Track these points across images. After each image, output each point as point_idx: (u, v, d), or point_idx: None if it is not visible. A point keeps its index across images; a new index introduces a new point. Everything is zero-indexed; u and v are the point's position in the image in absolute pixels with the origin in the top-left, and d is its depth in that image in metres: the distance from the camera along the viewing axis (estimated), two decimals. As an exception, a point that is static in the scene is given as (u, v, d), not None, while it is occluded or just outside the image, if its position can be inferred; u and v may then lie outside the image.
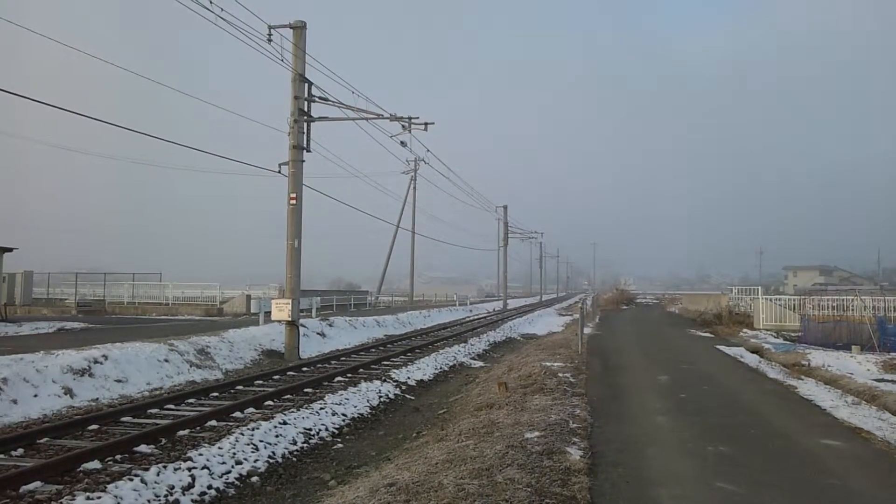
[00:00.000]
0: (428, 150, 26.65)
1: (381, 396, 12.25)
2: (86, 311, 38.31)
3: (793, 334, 24.42)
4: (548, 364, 13.75)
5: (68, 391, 11.25)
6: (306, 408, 10.39)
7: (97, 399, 11.43)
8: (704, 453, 7.21)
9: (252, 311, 33.53)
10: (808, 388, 11.99)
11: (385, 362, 17.21)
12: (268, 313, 20.04)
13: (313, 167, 18.69)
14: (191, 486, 6.80)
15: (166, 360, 14.10)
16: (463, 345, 21.53)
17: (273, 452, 8.23)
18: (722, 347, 19.59)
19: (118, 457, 7.78)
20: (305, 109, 17.72)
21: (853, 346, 18.53)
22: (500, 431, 7.90)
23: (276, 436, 8.72)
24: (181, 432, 8.99)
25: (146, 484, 6.57)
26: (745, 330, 26.15)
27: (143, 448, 8.16)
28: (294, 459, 8.37)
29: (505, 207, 57.93)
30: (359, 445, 9.32)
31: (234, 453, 7.78)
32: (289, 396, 12.05)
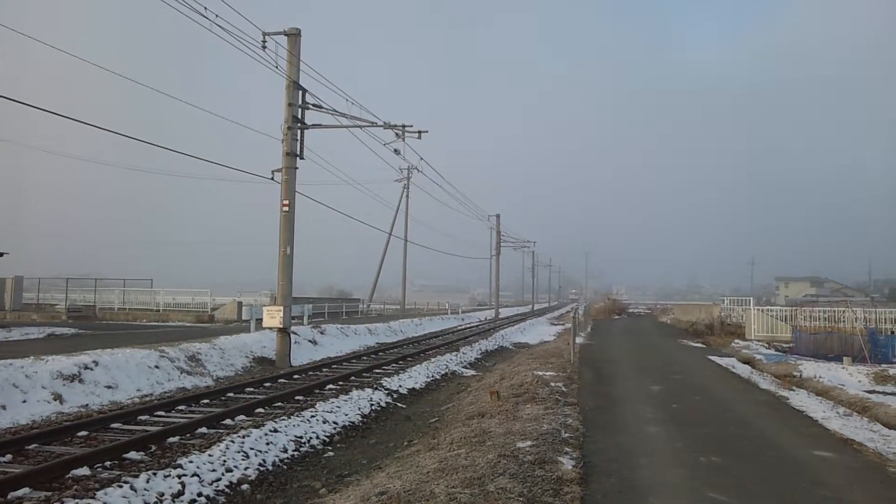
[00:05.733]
0: (421, 159, 26.81)
1: (372, 405, 12.22)
2: (76, 316, 38.07)
3: (784, 345, 24.51)
4: (540, 373, 13.74)
5: (58, 397, 11.18)
6: (297, 415, 10.34)
7: (87, 405, 11.36)
8: (696, 463, 7.21)
9: (243, 317, 33.26)
10: (800, 399, 12.01)
11: (377, 370, 17.16)
12: (259, 320, 19.96)
13: (306, 174, 18.67)
14: (180, 493, 6.76)
15: (157, 367, 14.02)
16: (455, 353, 21.50)
17: (263, 460, 8.19)
18: (714, 358, 19.63)
19: (108, 463, 7.74)
20: (299, 117, 17.73)
21: (844, 358, 18.59)
22: (491, 440, 7.88)
23: (267, 443, 8.68)
24: (171, 439, 8.94)
25: (136, 491, 6.52)
26: (736, 340, 26.22)
27: (132, 455, 8.11)
28: (284, 467, 8.33)
29: (497, 216, 58.04)
30: (350, 454, 9.28)
31: (225, 461, 7.74)
32: (280, 404, 11.99)
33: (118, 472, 7.38)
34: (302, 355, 19.66)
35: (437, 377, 16.70)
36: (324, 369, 17.26)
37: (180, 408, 11.37)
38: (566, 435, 8.18)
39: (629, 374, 15.43)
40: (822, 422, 9.85)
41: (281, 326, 17.59)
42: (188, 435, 9.32)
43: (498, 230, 58.54)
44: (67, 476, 7.13)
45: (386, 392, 13.48)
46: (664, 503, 5.86)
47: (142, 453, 8.23)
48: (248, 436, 8.68)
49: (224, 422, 10.24)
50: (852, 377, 15.27)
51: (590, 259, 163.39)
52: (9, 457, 7.97)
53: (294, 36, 17.50)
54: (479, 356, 22.35)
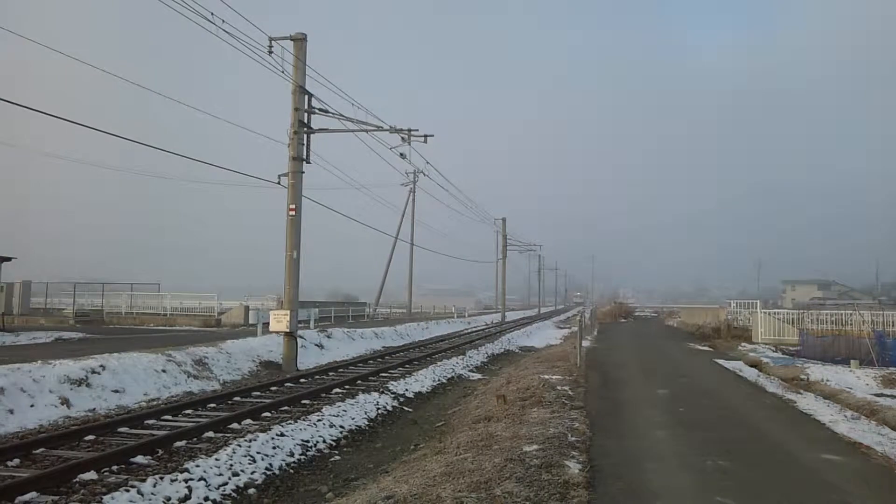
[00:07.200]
0: (427, 163, 26.66)
1: (378, 408, 12.22)
2: (84, 321, 38.22)
3: (791, 348, 24.43)
4: (546, 377, 13.72)
5: (65, 401, 11.21)
6: (304, 419, 10.35)
7: (94, 409, 11.39)
8: (704, 467, 7.18)
9: (250, 322, 33.47)
10: (808, 403, 11.96)
11: (383, 374, 17.17)
12: (266, 324, 20.04)
13: (312, 178, 18.68)
14: (187, 497, 6.77)
15: (164, 371, 14.06)
16: (461, 357, 21.48)
17: (270, 464, 8.19)
18: (721, 361, 19.55)
19: (115, 468, 7.75)
20: (305, 121, 17.77)
21: (852, 361, 18.52)
22: (498, 444, 7.87)
23: (274, 447, 8.68)
24: (178, 443, 8.96)
25: (143, 495, 6.54)
26: (743, 344, 26.15)
27: (139, 459, 8.13)
28: (291, 471, 8.33)
29: (503, 220, 57.98)
30: (356, 458, 9.29)
31: (231, 465, 7.75)
32: (286, 408, 12.01)
33: (125, 477, 7.40)
34: (308, 359, 19.68)
35: (444, 381, 16.68)
36: (330, 373, 17.27)
37: (187, 412, 11.40)
38: (573, 439, 8.16)
39: (636, 378, 15.39)
40: (830, 425, 9.80)
41: (287, 330, 17.62)
42: (195, 439, 9.34)
43: (504, 234, 58.49)
44: (74, 480, 7.14)
45: (392, 396, 13.48)
46: (671, 507, 5.84)
47: (149, 457, 8.25)
48: (255, 440, 8.69)
49: (231, 426, 10.26)
50: (860, 380, 15.21)
51: (596, 262, 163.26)
52: (17, 461, 7.99)
53: (300, 41, 17.56)
54: (485, 360, 22.32)
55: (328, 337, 23.60)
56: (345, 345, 23.91)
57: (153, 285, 45.06)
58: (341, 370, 17.91)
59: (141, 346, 17.58)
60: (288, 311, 17.71)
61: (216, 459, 7.81)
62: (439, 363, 19.40)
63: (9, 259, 29.31)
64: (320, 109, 17.97)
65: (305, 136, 17.85)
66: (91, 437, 9.26)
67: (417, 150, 23.39)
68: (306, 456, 8.94)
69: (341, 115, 18.23)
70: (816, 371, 15.95)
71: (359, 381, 15.53)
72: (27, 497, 6.55)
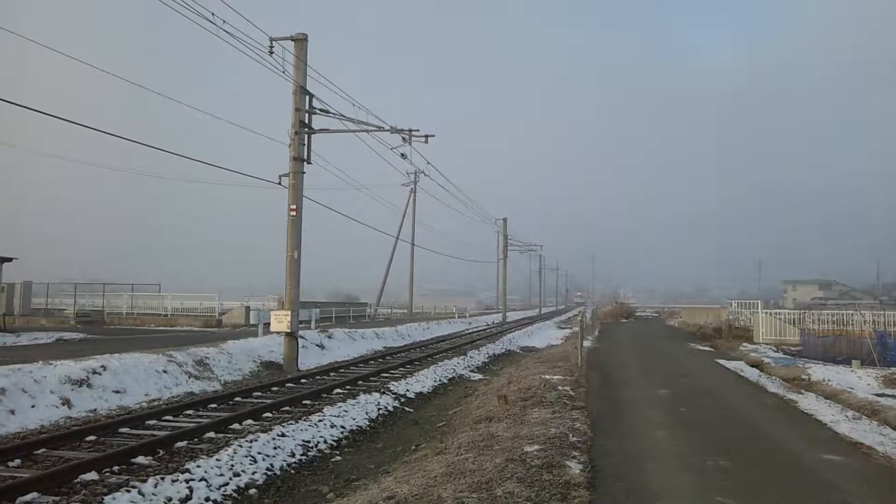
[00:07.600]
0: (428, 163, 26.67)
1: (379, 409, 12.22)
2: (84, 321, 38.24)
3: (792, 348, 24.42)
4: (547, 377, 13.71)
5: (66, 402, 11.21)
6: (305, 420, 10.35)
7: (95, 410, 11.39)
8: (704, 467, 7.18)
9: (251, 322, 33.48)
10: (809, 403, 11.95)
11: (384, 374, 17.17)
12: (267, 325, 20.02)
13: (313, 178, 18.69)
14: (188, 497, 6.77)
15: (165, 372, 14.06)
16: (462, 357, 21.48)
17: (271, 465, 8.20)
18: (722, 361, 19.54)
19: (116, 468, 7.75)
20: (306, 121, 17.77)
21: (853, 361, 18.51)
22: (499, 445, 7.87)
23: (275, 448, 8.68)
24: (179, 444, 8.96)
25: (144, 496, 6.55)
26: (744, 344, 26.13)
27: (140, 459, 8.13)
28: (292, 472, 8.34)
29: (504, 220, 57.96)
30: (357, 458, 9.29)
31: (232, 465, 7.75)
32: (287, 408, 12.01)
33: (126, 477, 7.40)
34: (309, 359, 19.68)
35: (445, 381, 16.68)
36: (331, 373, 17.27)
37: (188, 412, 11.40)
38: (574, 439, 8.16)
39: (637, 378, 15.39)
40: (831, 425, 9.79)
41: (288, 331, 17.62)
42: (196, 439, 9.34)
43: (505, 234, 58.47)
44: (76, 480, 7.15)
45: (393, 396, 13.48)
46: (672, 507, 5.84)
47: (150, 458, 8.25)
48: (256, 440, 8.69)
49: (232, 426, 10.27)
50: (861, 380, 15.19)
51: (596, 262, 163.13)
52: (18, 461, 8.00)
53: (301, 41, 17.57)
54: (486, 360, 22.32)
55: (329, 337, 23.61)
56: (346, 345, 23.92)
57: (154, 286, 45.12)
58: (342, 370, 17.91)
59: (142, 347, 17.59)
60: (289, 312, 17.71)
61: (217, 460, 7.82)
62: (440, 363, 19.40)
63: (9, 259, 29.34)
64: (321, 110, 17.98)
65: (306, 136, 17.86)
66: (92, 437, 9.27)
67: (418, 151, 23.36)
68: (307, 456, 8.95)
69: (342, 115, 18.25)
70: (818, 371, 15.94)
71: (360, 382, 15.53)
72: (28, 497, 6.56)
